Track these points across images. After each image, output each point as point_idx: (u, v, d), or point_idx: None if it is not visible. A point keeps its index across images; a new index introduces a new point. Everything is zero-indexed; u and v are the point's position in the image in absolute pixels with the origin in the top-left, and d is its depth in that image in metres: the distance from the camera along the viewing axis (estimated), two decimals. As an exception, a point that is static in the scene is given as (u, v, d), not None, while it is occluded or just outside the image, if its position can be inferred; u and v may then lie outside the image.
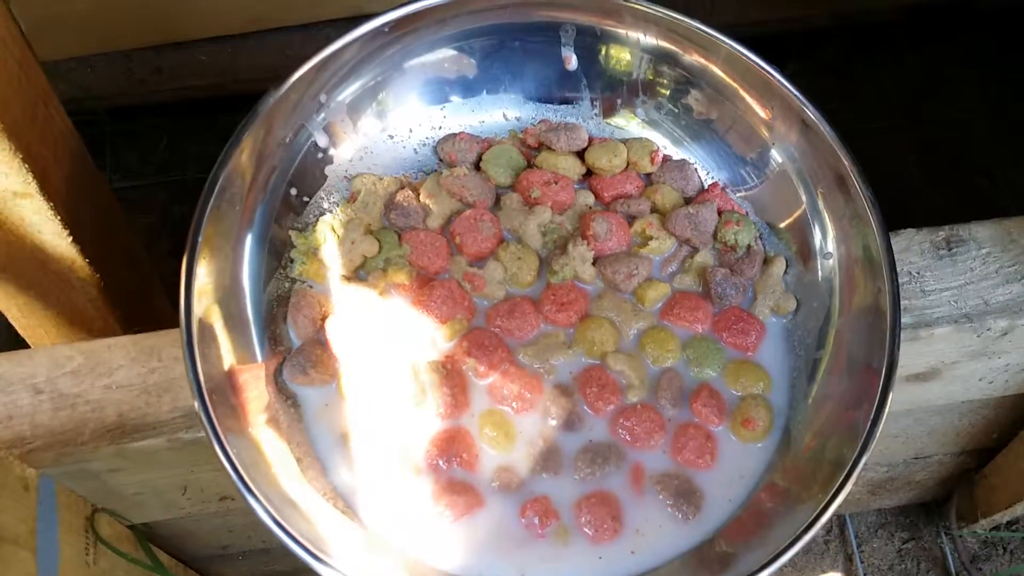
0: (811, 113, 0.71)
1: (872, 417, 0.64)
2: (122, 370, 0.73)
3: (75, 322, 0.81)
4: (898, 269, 0.67)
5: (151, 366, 0.73)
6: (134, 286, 0.86)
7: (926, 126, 1.47)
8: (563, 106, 0.81)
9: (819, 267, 0.74)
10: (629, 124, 0.80)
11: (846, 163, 0.70)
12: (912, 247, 0.79)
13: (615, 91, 0.80)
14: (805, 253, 0.75)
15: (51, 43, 1.17)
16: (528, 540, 0.66)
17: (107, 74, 1.34)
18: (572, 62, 0.79)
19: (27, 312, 0.81)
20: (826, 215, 0.73)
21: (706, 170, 0.79)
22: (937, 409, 0.95)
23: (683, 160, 0.79)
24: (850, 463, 0.63)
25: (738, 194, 0.78)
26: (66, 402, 0.71)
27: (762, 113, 0.75)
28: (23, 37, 0.67)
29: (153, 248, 1.28)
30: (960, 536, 1.26)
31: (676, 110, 0.79)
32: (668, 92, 0.78)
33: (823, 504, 0.62)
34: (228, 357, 0.66)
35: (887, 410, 0.64)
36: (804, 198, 0.74)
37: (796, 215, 0.75)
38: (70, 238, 0.73)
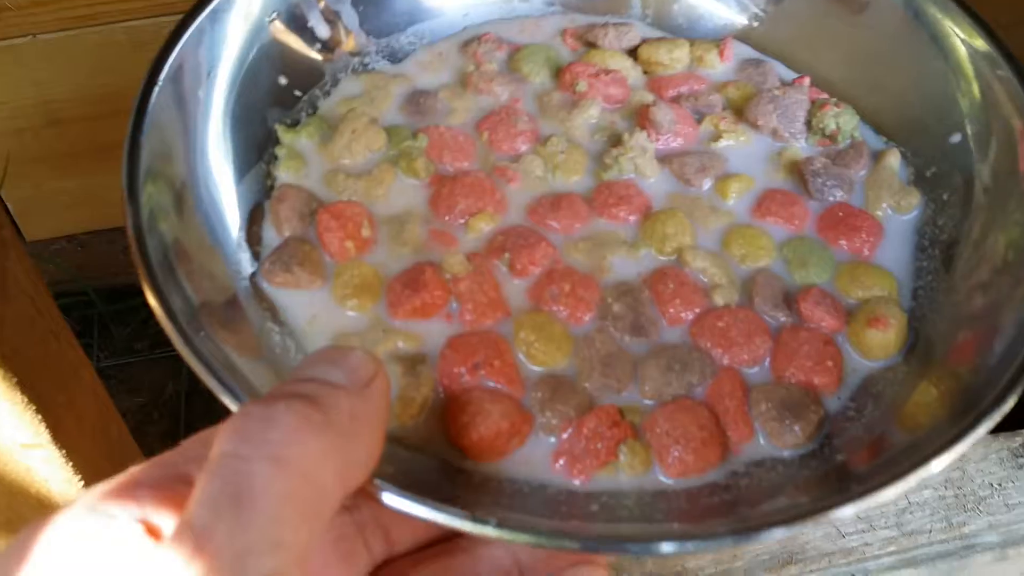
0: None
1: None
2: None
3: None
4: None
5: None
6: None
7: None
8: (607, 15, 0.67)
9: (947, 152, 0.58)
10: (692, 25, 0.67)
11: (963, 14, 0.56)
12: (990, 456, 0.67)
13: (672, -11, 0.67)
14: (922, 142, 0.59)
15: (40, 223, 1.08)
16: (592, 463, 0.47)
17: (99, 253, 1.22)
18: (619, -42, 0.67)
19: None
20: (946, 87, 0.58)
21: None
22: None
23: (759, 59, 0.65)
24: (1007, 378, 0.45)
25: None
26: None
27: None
28: (34, 272, 0.59)
29: (143, 430, 1.14)
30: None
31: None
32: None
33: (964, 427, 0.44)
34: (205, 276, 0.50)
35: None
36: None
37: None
38: (82, 483, 0.61)
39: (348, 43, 0.63)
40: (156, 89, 0.52)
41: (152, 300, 0.46)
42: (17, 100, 0.87)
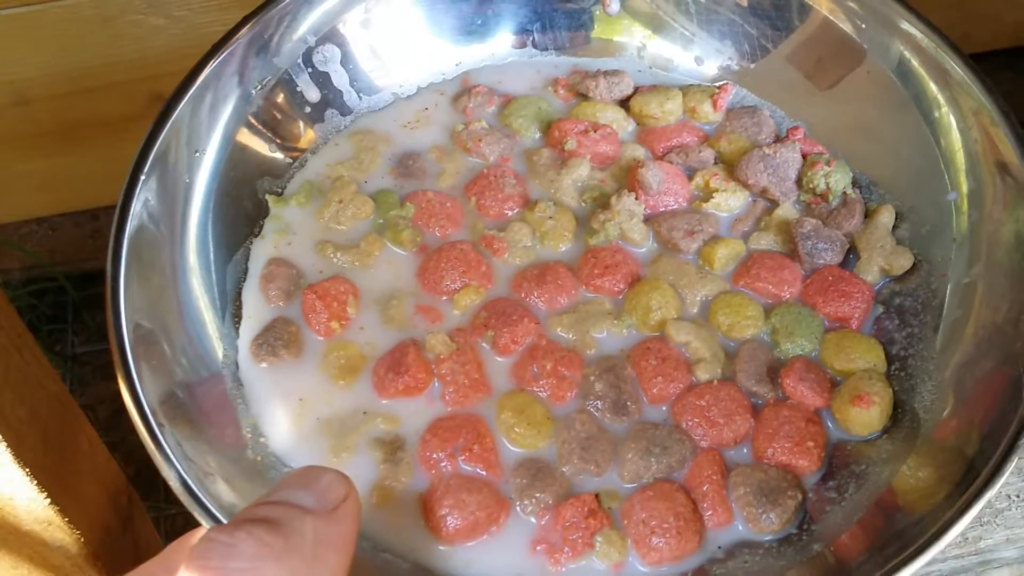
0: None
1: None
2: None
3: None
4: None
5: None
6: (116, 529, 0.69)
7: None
8: (603, 59, 0.67)
9: (943, 210, 0.56)
10: (688, 70, 0.66)
11: (958, 64, 0.55)
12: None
13: (669, 34, 0.66)
14: (919, 199, 0.58)
15: (9, 205, 1.03)
16: (568, 554, 0.48)
17: (70, 235, 1.15)
18: (613, 4, 0.66)
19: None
20: (943, 143, 0.57)
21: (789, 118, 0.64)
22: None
23: (755, 107, 0.64)
24: (999, 451, 0.45)
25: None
26: None
27: (855, 36, 0.60)
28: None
29: (119, 419, 1.13)
30: None
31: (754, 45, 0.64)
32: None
33: (959, 504, 0.44)
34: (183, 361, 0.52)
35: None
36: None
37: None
38: (48, 500, 0.57)
39: (337, 103, 0.63)
40: (141, 178, 0.52)
41: (127, 397, 0.47)
42: (-20, 80, 0.82)
